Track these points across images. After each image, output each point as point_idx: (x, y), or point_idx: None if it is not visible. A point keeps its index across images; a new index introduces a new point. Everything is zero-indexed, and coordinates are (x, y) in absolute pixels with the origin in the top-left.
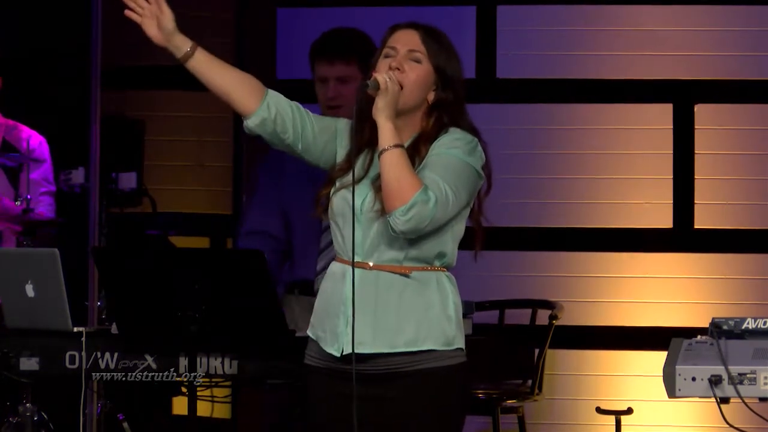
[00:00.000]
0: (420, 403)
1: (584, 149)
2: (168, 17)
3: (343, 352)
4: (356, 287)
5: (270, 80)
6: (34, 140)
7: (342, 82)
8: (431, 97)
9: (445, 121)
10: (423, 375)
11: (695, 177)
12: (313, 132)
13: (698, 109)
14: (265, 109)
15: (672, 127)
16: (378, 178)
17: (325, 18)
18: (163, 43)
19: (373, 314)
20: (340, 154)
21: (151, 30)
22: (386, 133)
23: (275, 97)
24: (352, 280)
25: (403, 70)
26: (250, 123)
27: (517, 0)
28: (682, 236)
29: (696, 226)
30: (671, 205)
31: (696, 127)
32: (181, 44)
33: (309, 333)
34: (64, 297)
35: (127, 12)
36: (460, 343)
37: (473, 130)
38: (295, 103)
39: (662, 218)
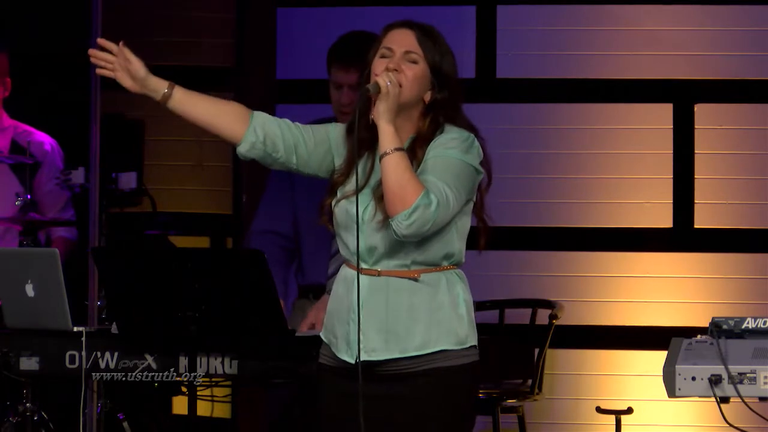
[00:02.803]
0: (432, 402)
1: (584, 149)
2: (136, 66)
3: (357, 359)
4: (365, 294)
5: (270, 80)
6: (47, 145)
7: (356, 90)
8: (428, 97)
9: (441, 121)
10: (435, 374)
11: (695, 177)
12: (306, 147)
13: (698, 109)
14: (252, 133)
15: (672, 127)
16: (379, 185)
17: (325, 18)
18: (139, 91)
19: (384, 320)
20: (337, 161)
21: (126, 81)
22: (387, 136)
23: (261, 119)
24: (357, 292)
25: (400, 70)
26: (241, 149)
27: (517, 0)
28: (682, 236)
29: (696, 226)
30: (671, 205)
31: (696, 127)
32: (158, 87)
33: (322, 335)
34: (64, 297)
35: (98, 71)
36: (473, 341)
37: (470, 127)
38: (284, 121)
39: (662, 218)
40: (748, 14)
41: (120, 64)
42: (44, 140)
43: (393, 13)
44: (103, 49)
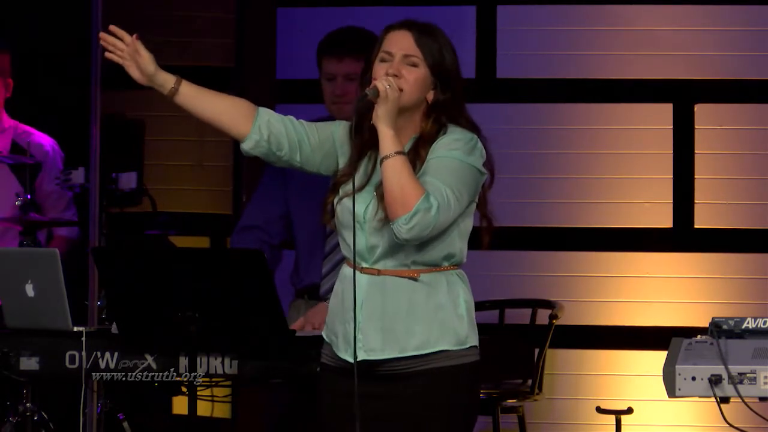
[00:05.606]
0: (432, 403)
1: (584, 149)
2: (146, 60)
3: (357, 358)
4: (365, 294)
5: (270, 80)
6: (48, 146)
7: (350, 80)
8: (430, 96)
9: (444, 121)
10: (434, 374)
11: (695, 177)
12: (310, 144)
13: (698, 109)
14: (256, 131)
15: (672, 127)
16: (381, 184)
17: (325, 18)
18: (145, 83)
19: (384, 320)
20: (341, 161)
21: (133, 72)
22: (387, 140)
23: (266, 116)
24: (354, 293)
25: (400, 75)
26: (245, 146)
27: (517, 0)
28: (682, 236)
29: (696, 226)
30: (671, 205)
31: (696, 127)
32: (165, 82)
33: (323, 334)
34: (64, 297)
35: (107, 54)
36: (474, 341)
37: (473, 127)
38: (289, 118)
39: (662, 218)
40: (748, 14)
41: (130, 54)
42: (44, 141)
43: (393, 13)
44: (114, 36)
